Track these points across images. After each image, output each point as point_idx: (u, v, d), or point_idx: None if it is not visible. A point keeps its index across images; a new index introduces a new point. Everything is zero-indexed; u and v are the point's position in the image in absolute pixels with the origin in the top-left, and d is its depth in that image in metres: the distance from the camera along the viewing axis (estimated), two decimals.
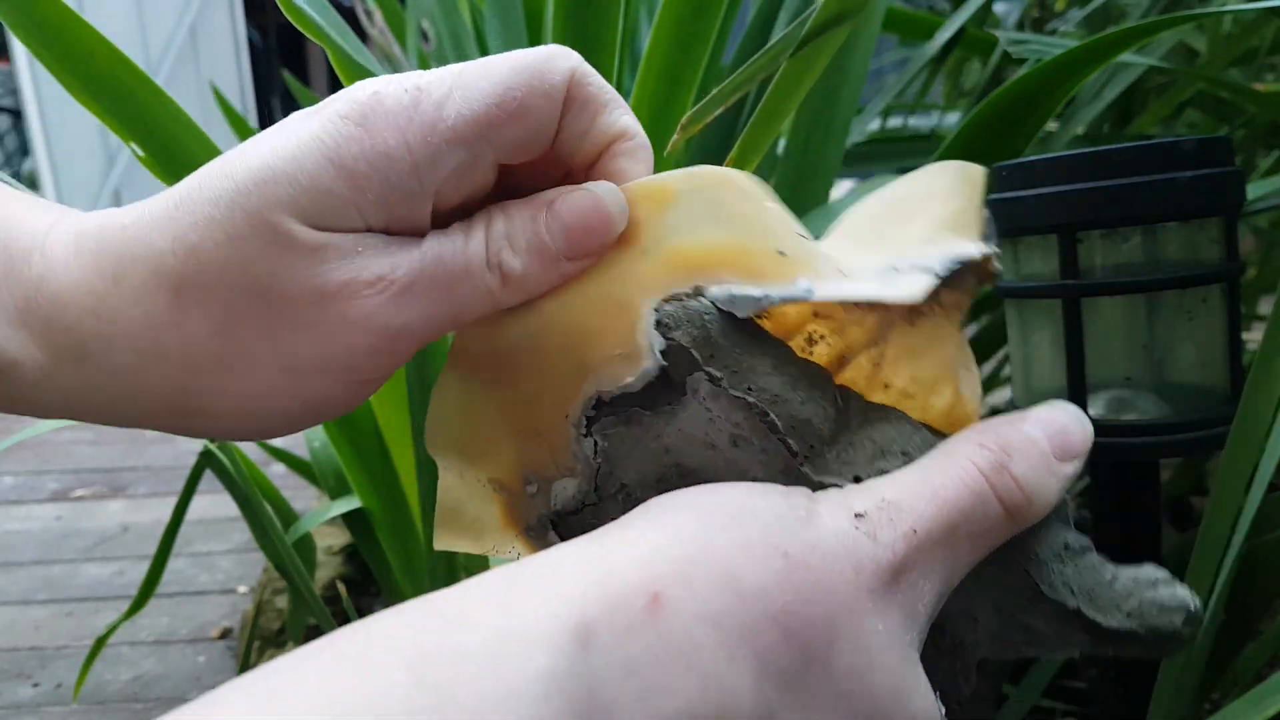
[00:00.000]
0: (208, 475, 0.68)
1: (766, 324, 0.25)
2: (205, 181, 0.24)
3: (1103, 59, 0.55)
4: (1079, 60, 0.54)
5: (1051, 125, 0.80)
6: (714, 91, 0.43)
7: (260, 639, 0.92)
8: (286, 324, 0.23)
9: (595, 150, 0.26)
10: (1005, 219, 0.48)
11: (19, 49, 3.19)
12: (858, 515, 0.21)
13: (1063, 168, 0.45)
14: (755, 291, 0.23)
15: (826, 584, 0.20)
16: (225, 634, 1.03)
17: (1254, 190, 0.62)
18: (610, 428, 0.24)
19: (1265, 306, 0.94)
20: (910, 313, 0.25)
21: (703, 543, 0.20)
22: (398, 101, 0.23)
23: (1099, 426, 0.46)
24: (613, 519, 0.25)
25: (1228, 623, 0.45)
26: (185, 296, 0.23)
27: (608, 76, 0.57)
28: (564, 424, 0.25)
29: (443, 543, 0.28)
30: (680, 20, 0.55)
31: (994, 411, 0.98)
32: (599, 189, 0.24)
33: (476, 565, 0.72)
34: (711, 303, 0.23)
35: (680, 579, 0.19)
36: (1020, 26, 1.28)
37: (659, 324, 0.23)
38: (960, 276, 0.24)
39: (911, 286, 0.23)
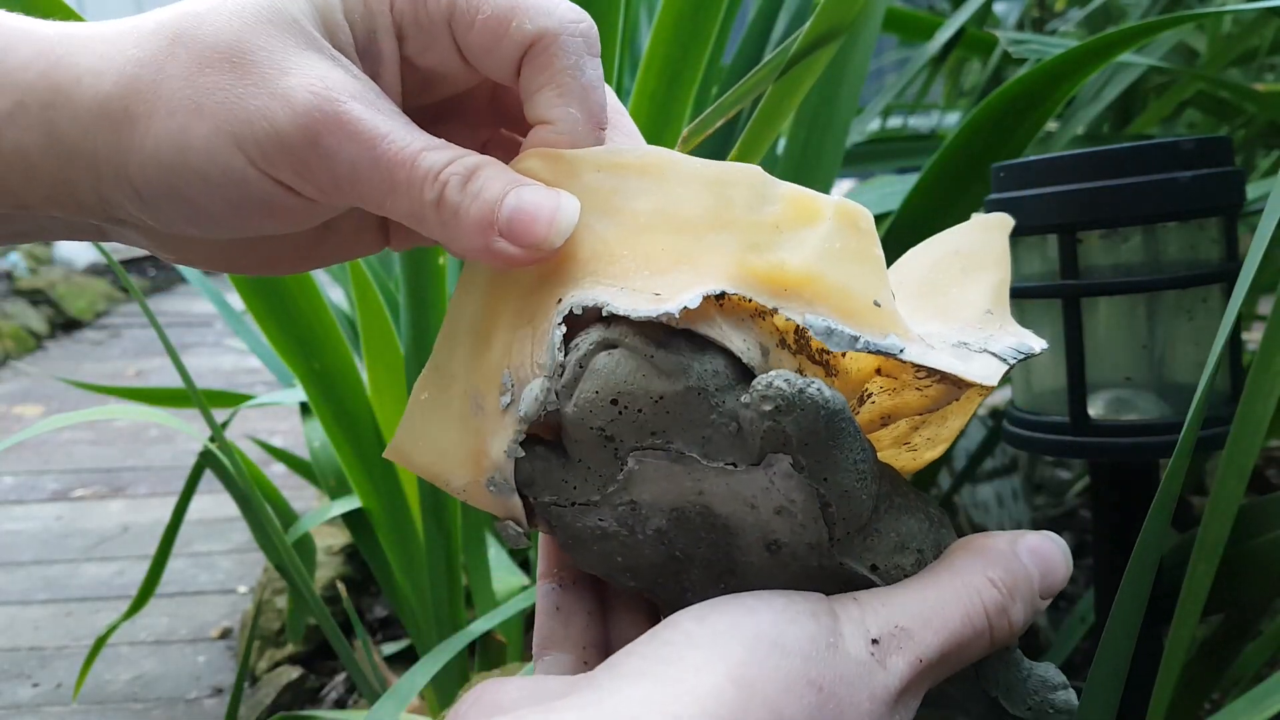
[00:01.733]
0: (208, 475, 0.68)
1: (835, 381, 0.25)
2: None
3: (1103, 59, 0.55)
4: (1079, 60, 0.54)
5: (1051, 125, 0.79)
6: (712, 106, 0.43)
7: (260, 639, 0.93)
8: (242, 87, 0.24)
9: (531, 119, 0.26)
10: None
11: None
12: (874, 641, 0.23)
13: (1063, 168, 0.45)
14: (852, 331, 0.23)
15: (849, 714, 0.23)
16: (225, 634, 1.03)
17: (1254, 190, 0.62)
18: (650, 457, 0.24)
19: (1265, 306, 0.94)
20: (964, 385, 0.26)
21: (752, 682, 0.22)
22: None
23: (1099, 426, 0.46)
24: (601, 522, 0.25)
25: (1228, 623, 0.45)
26: (178, 43, 0.25)
27: (608, 77, 0.57)
28: (553, 308, 0.25)
29: (395, 454, 0.28)
30: (680, 20, 0.55)
31: (994, 412, 0.97)
32: (563, 200, 0.25)
33: (477, 567, 0.72)
34: (808, 337, 0.24)
35: None
36: (1020, 26, 1.28)
37: (762, 413, 0.23)
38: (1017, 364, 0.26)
39: (986, 369, 0.24)
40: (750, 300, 0.23)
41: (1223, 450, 0.33)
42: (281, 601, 0.95)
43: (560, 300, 0.24)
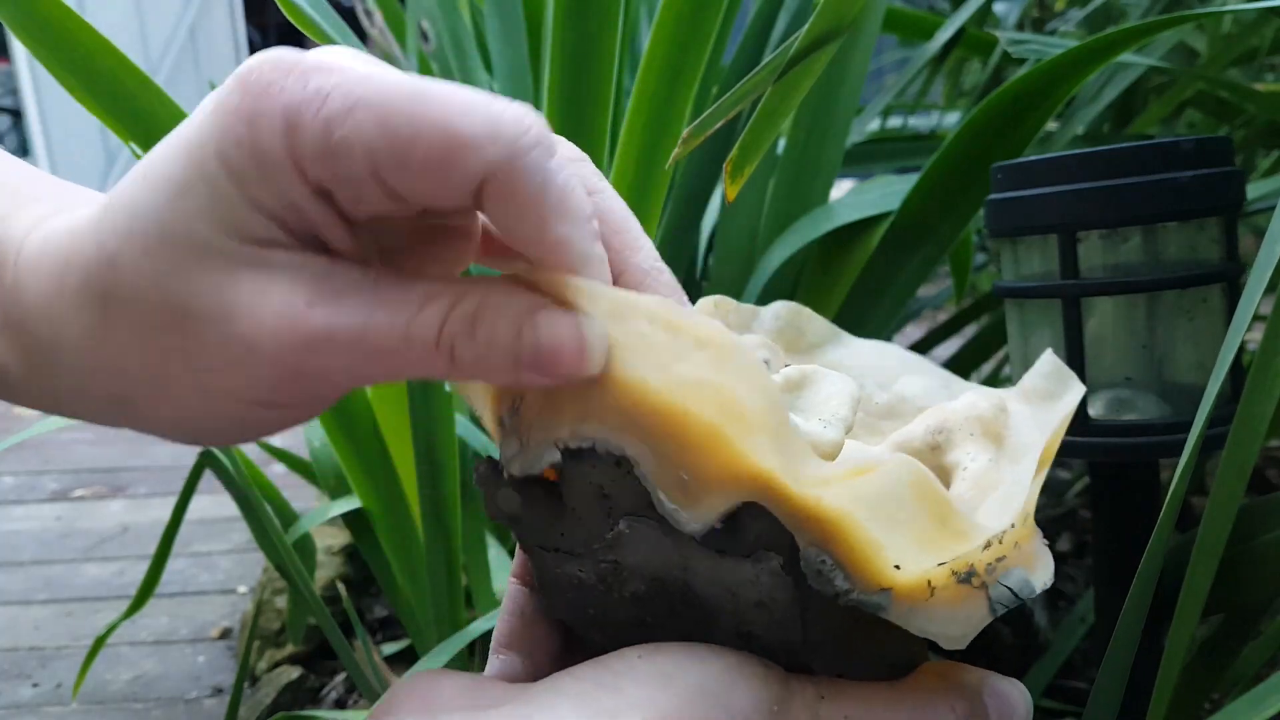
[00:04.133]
0: (208, 475, 0.68)
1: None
2: (125, 186, 0.22)
3: (1103, 59, 0.55)
4: (1079, 60, 0.54)
5: (1051, 125, 0.79)
6: (712, 107, 0.43)
7: (260, 639, 0.92)
8: (199, 349, 0.22)
9: (526, 252, 0.23)
10: (1005, 219, 0.48)
11: (19, 49, 3.19)
12: None
13: (1063, 168, 0.45)
14: (843, 583, 0.22)
15: None
16: (225, 634, 1.03)
17: (1254, 190, 0.62)
18: (643, 525, 0.23)
19: (1265, 306, 0.94)
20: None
21: None
22: (291, 98, 0.21)
23: (1099, 427, 0.46)
24: (580, 573, 0.25)
25: (1228, 623, 0.45)
26: (110, 310, 0.22)
27: (608, 76, 0.57)
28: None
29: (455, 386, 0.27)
30: (680, 20, 0.55)
31: None
32: (588, 330, 0.22)
33: (477, 567, 0.72)
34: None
35: None
36: (1020, 26, 1.28)
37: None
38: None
39: (965, 628, 0.23)
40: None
41: (1223, 450, 0.33)
42: (281, 601, 0.95)
43: (582, 423, 0.23)
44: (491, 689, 0.23)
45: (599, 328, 0.22)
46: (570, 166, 0.23)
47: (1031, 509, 0.24)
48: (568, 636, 0.28)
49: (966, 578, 0.22)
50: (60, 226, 0.24)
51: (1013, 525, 0.23)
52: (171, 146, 0.22)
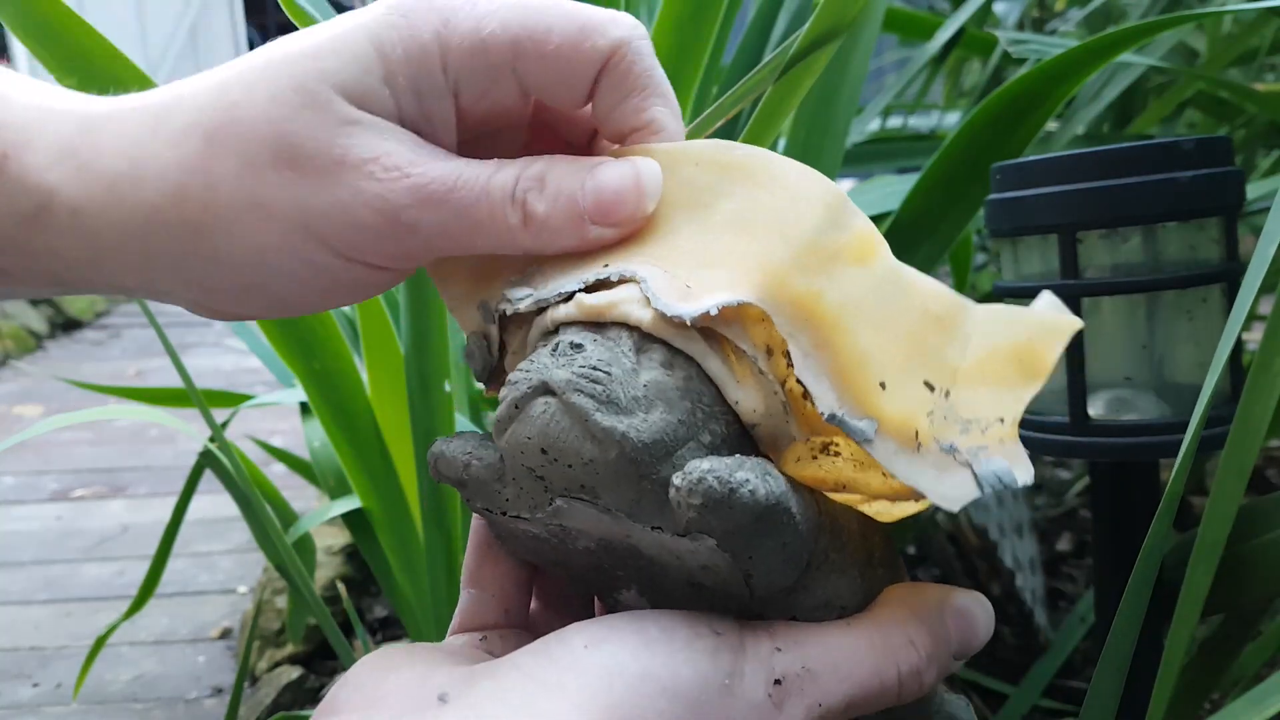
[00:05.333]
0: (208, 475, 0.68)
1: (800, 416, 0.24)
2: (258, 54, 0.25)
3: (1103, 59, 0.55)
4: (1079, 60, 0.54)
5: (1051, 125, 0.80)
6: (712, 107, 0.43)
7: (260, 639, 0.93)
8: (306, 184, 0.24)
9: (621, 130, 0.26)
10: (1005, 219, 0.48)
11: (19, 49, 3.19)
12: (776, 682, 0.23)
13: (1063, 168, 0.45)
14: (832, 400, 0.22)
15: None
16: (225, 634, 1.03)
17: (1254, 190, 0.62)
18: (578, 504, 0.23)
19: (1265, 306, 0.94)
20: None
21: None
22: (446, 2, 0.25)
23: (1099, 427, 0.46)
24: (531, 530, 0.25)
25: (1228, 623, 0.45)
26: (217, 143, 0.24)
27: None
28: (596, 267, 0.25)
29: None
30: (680, 20, 0.55)
31: None
32: (641, 165, 0.25)
33: None
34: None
35: None
36: (1020, 26, 1.28)
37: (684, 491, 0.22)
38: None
39: (956, 491, 0.23)
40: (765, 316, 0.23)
41: (1223, 450, 0.33)
42: (281, 601, 0.95)
43: (607, 264, 0.25)
44: (439, 676, 0.22)
45: (652, 167, 0.25)
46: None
47: (1018, 415, 0.24)
48: (534, 566, 0.28)
49: (950, 450, 0.23)
50: (153, 95, 0.26)
51: (1000, 420, 0.23)
52: (316, 31, 0.25)
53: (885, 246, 0.24)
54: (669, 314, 0.23)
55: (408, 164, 0.24)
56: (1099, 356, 0.47)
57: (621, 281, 0.24)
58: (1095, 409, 0.47)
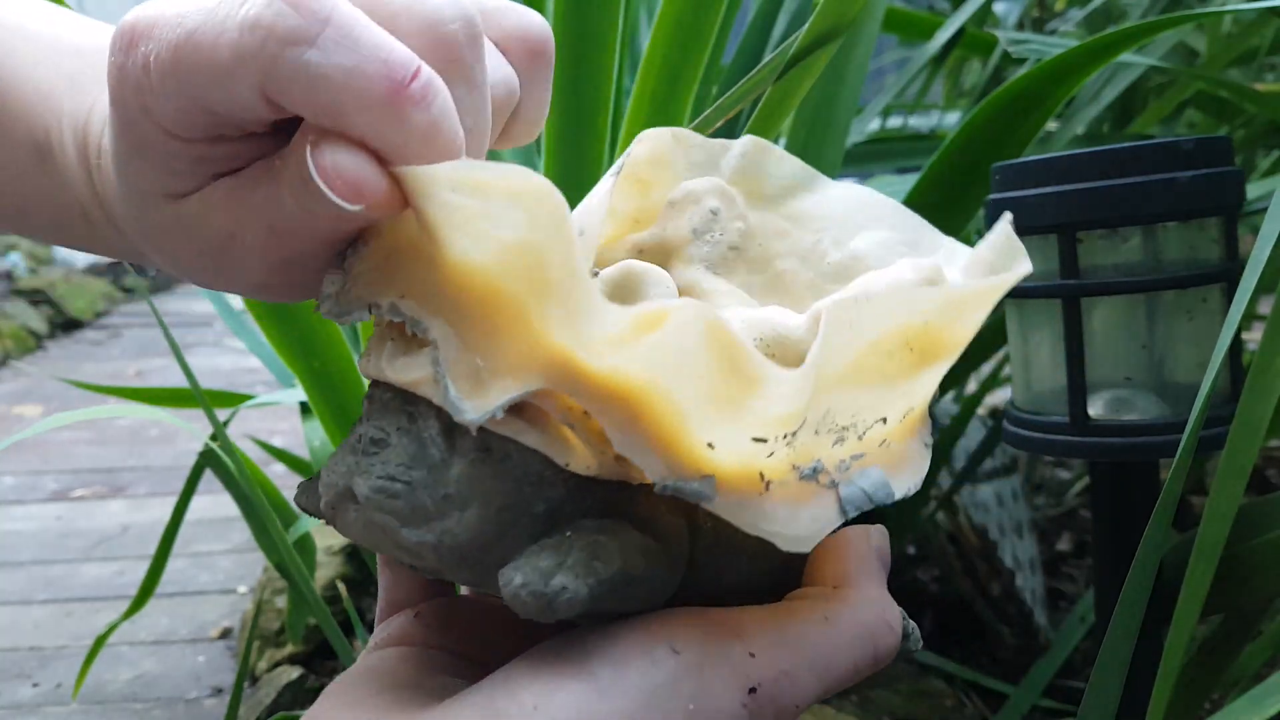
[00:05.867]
0: (208, 475, 0.68)
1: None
2: None
3: (1103, 59, 0.55)
4: (1079, 60, 0.54)
5: (1051, 125, 0.80)
6: (712, 107, 0.44)
7: (260, 639, 0.92)
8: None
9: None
10: None
11: None
12: (751, 691, 0.21)
13: (1063, 168, 0.45)
14: (660, 471, 0.20)
15: None
16: (225, 634, 1.03)
17: (1254, 190, 0.62)
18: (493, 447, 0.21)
19: (1265, 306, 0.94)
20: None
21: None
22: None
23: (1099, 427, 0.46)
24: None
25: (1227, 623, 0.45)
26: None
27: (608, 76, 0.57)
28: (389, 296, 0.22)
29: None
30: (680, 20, 0.55)
31: (994, 412, 0.97)
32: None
33: None
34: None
35: None
36: (1020, 26, 1.28)
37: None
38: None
39: (811, 528, 0.20)
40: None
41: (1223, 450, 0.33)
42: (281, 601, 0.95)
43: (403, 296, 0.21)
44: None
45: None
46: None
47: (921, 405, 0.21)
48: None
49: (812, 474, 0.20)
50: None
51: (883, 420, 0.20)
52: None
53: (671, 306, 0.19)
54: (456, 419, 0.19)
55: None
56: (1099, 356, 0.47)
57: (415, 337, 0.21)
58: (1095, 409, 0.47)
